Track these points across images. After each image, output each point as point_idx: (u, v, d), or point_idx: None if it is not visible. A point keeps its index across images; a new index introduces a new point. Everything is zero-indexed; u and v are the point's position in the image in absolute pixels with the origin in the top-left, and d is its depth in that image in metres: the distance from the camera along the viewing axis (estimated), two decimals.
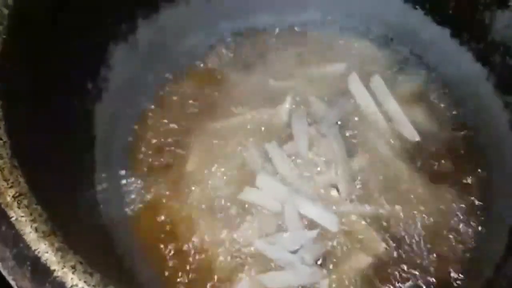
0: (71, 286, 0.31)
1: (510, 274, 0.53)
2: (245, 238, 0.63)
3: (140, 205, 0.66)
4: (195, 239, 0.64)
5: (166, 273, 0.62)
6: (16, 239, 0.32)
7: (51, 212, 0.35)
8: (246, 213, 0.65)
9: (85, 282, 0.31)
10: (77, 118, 0.59)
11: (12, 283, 0.31)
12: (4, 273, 0.31)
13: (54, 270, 0.31)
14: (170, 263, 0.62)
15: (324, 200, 0.65)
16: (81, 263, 0.32)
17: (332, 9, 0.80)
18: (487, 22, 0.66)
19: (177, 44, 0.75)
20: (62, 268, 0.31)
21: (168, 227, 0.65)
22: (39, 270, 0.31)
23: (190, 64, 0.77)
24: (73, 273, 0.31)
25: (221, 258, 0.62)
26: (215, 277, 0.61)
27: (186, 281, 0.61)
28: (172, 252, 0.63)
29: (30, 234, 0.32)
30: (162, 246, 0.64)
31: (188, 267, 0.62)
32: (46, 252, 0.32)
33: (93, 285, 0.31)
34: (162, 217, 0.66)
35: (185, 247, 0.63)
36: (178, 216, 0.65)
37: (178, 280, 0.61)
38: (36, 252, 0.32)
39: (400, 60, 0.78)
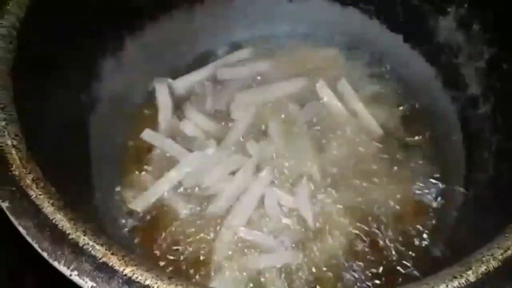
0: (83, 244, 0.38)
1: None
2: (231, 226, 0.69)
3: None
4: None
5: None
6: (36, 212, 0.40)
7: (62, 193, 0.42)
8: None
9: (94, 241, 0.38)
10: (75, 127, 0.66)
11: (35, 245, 0.38)
12: (28, 238, 0.38)
13: (69, 234, 0.38)
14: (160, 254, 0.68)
15: (300, 190, 0.72)
16: (89, 229, 0.39)
17: (299, 21, 0.89)
18: (432, 27, 0.75)
19: (160, 59, 0.82)
20: (75, 232, 0.38)
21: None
22: (57, 235, 0.38)
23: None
24: (84, 235, 0.38)
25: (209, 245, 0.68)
26: (205, 263, 0.67)
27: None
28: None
29: (47, 208, 0.40)
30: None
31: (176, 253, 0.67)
32: (61, 220, 0.39)
33: (101, 244, 0.38)
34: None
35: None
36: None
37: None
38: (53, 221, 0.39)
39: (362, 65, 0.86)
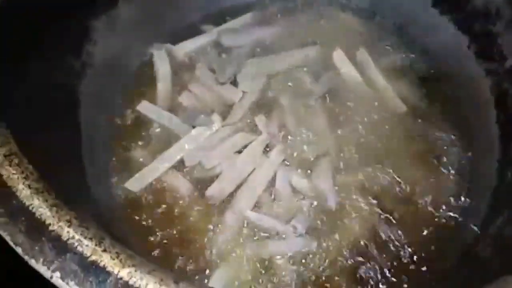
0: (68, 239, 0.30)
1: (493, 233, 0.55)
2: (238, 210, 0.63)
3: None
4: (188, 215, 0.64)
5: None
6: (8, 197, 0.32)
7: (42, 174, 0.35)
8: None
9: (81, 234, 0.30)
10: (63, 94, 0.59)
11: (7, 239, 0.30)
12: None
13: (50, 224, 0.31)
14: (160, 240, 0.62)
15: (320, 167, 0.66)
16: (76, 218, 0.32)
17: None
18: None
19: (158, 20, 0.75)
20: (58, 222, 0.31)
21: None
22: (34, 226, 0.31)
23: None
24: (68, 226, 0.31)
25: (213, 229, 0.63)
26: (210, 250, 0.61)
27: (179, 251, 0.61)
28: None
29: (23, 190, 0.32)
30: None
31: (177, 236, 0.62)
32: (40, 207, 0.31)
33: (90, 238, 0.30)
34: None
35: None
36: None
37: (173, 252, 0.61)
38: (30, 208, 0.31)
39: (384, 33, 0.79)
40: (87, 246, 0.30)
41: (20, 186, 0.32)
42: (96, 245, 0.30)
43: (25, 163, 0.34)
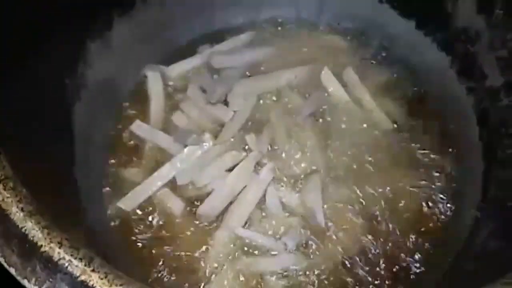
0: (58, 259, 0.31)
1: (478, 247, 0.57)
2: (230, 227, 0.64)
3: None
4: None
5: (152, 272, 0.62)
6: (2, 219, 0.33)
7: (36, 195, 0.36)
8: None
9: (71, 255, 0.32)
10: (57, 115, 0.60)
11: (1, 259, 0.32)
12: None
13: (41, 246, 0.32)
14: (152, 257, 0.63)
15: (309, 185, 0.67)
16: (67, 239, 0.33)
17: (305, 6, 0.83)
18: (450, 12, 0.69)
19: (153, 41, 0.76)
20: (49, 244, 0.32)
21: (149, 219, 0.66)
22: (27, 247, 0.32)
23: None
24: (59, 247, 0.32)
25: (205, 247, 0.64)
26: (202, 267, 0.62)
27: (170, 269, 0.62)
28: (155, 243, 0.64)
29: (16, 213, 0.33)
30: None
31: (170, 254, 0.63)
32: (33, 229, 0.33)
33: (80, 258, 0.32)
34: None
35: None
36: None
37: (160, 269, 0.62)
38: (23, 230, 0.33)
39: (370, 53, 0.81)
40: (76, 267, 0.31)
41: (14, 209, 0.33)
42: (85, 265, 0.31)
43: (19, 187, 0.35)
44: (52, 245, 0.32)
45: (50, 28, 0.56)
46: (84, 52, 0.64)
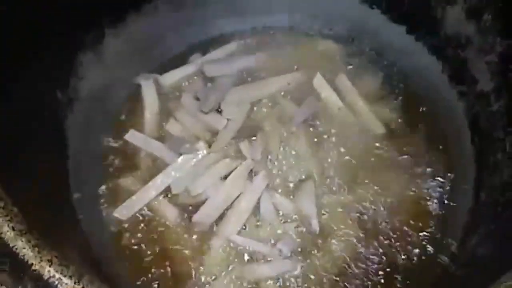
0: (49, 277, 0.32)
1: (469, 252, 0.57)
2: (225, 234, 0.64)
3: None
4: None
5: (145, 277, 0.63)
6: None
7: (27, 214, 0.37)
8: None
9: (61, 273, 0.32)
10: (49, 129, 0.60)
11: None
12: None
13: (32, 264, 0.33)
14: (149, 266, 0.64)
15: (303, 191, 0.67)
16: (56, 257, 0.33)
17: (297, 12, 0.83)
18: (439, 17, 0.70)
19: (145, 52, 0.76)
20: (39, 262, 0.33)
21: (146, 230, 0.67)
22: (17, 266, 0.33)
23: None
24: (49, 266, 0.33)
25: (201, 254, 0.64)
26: (198, 275, 0.63)
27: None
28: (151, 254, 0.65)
29: (7, 232, 0.34)
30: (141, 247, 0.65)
31: (166, 262, 0.64)
32: (23, 248, 0.33)
33: (70, 276, 0.32)
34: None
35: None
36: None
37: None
38: (14, 249, 0.33)
39: (362, 58, 0.81)
40: (66, 284, 0.32)
41: (5, 229, 0.34)
42: (75, 283, 0.32)
43: (10, 206, 0.36)
44: (42, 263, 0.33)
45: (42, 41, 0.57)
46: (76, 65, 0.65)
